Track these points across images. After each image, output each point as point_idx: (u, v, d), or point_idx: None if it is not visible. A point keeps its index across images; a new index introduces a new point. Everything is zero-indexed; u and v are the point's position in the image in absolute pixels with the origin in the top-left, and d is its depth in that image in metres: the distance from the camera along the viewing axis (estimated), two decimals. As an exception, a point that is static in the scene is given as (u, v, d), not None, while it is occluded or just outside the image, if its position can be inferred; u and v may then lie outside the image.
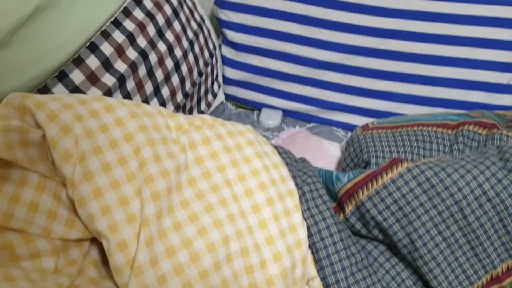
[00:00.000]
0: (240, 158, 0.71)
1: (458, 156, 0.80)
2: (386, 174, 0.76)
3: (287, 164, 0.78)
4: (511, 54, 1.33)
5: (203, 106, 1.45)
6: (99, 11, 1.05)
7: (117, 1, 1.08)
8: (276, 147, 0.81)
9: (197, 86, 1.36)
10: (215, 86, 1.53)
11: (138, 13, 1.14)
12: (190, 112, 1.38)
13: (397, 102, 1.45)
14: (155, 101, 1.17)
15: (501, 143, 0.87)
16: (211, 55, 1.45)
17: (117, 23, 1.08)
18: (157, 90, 1.17)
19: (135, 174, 0.61)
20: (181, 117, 0.74)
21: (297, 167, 0.81)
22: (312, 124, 1.56)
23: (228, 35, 1.53)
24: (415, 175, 0.75)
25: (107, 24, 1.07)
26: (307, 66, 1.49)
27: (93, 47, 1.02)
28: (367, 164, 0.87)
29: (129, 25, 1.11)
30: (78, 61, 0.99)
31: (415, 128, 0.91)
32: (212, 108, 1.52)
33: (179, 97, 1.27)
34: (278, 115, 1.57)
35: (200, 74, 1.36)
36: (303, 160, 0.84)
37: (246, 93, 1.61)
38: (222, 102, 1.59)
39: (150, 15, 1.17)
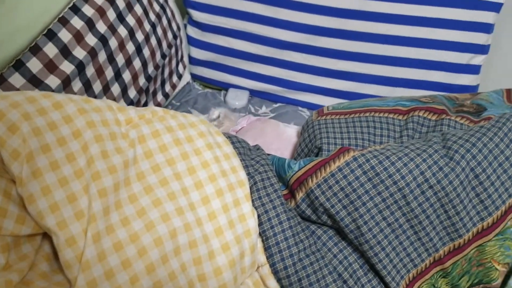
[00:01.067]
0: (190, 150, 0.73)
1: (404, 143, 0.83)
2: (334, 163, 0.79)
3: (239, 153, 0.80)
4: (470, 35, 1.36)
5: (167, 88, 1.46)
6: (56, -3, 1.04)
7: (74, -14, 1.07)
8: (229, 136, 0.83)
9: (160, 69, 1.36)
10: (180, 67, 1.53)
11: (97, -2, 1.13)
12: (154, 94, 1.39)
13: (360, 82, 1.48)
14: (116, 86, 1.17)
15: (449, 128, 0.90)
16: (175, 37, 1.45)
17: (75, 9, 1.08)
18: (118, 75, 1.18)
19: (83, 170, 0.62)
20: (131, 110, 0.75)
21: (250, 155, 0.83)
22: (278, 104, 1.58)
23: (193, 15, 1.53)
24: (361, 163, 0.78)
25: (65, 10, 1.06)
26: (271, 47, 1.50)
27: (50, 34, 1.01)
28: (320, 150, 0.89)
29: (88, 10, 1.10)
30: (35, 49, 0.98)
31: (367, 114, 0.94)
32: (177, 89, 1.53)
33: (142, 80, 1.28)
34: (245, 95, 1.58)
35: (163, 56, 1.37)
36: (257, 148, 0.87)
37: (212, 73, 1.61)
38: (188, 83, 1.59)
39: (110, 0, 1.16)
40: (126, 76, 1.21)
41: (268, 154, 0.87)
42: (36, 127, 0.62)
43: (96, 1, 1.13)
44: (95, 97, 1.11)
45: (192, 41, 1.58)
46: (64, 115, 0.65)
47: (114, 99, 1.18)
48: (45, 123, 0.63)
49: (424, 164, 0.78)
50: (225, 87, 1.62)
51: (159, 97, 1.42)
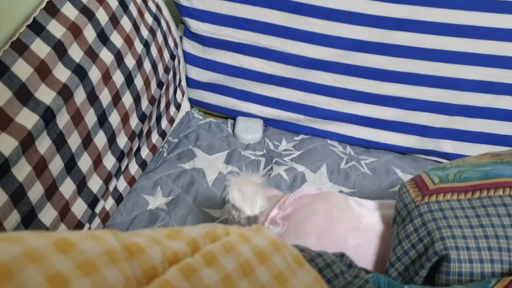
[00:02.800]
0: None
1: None
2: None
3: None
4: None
5: (164, 124, 1.12)
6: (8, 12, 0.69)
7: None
8: (312, 258, 0.50)
9: (156, 102, 1.02)
10: (178, 95, 1.19)
11: (69, 10, 0.79)
12: (148, 135, 1.05)
13: (407, 110, 1.18)
14: (101, 135, 0.83)
15: None
16: (172, 57, 1.11)
17: (37, 27, 0.73)
18: (102, 120, 0.83)
19: None
20: None
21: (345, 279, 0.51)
22: (301, 137, 1.26)
23: (192, 26, 1.19)
24: None
25: (22, 29, 0.72)
26: (293, 66, 1.20)
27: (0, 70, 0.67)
28: (442, 257, 0.58)
29: (56, 29, 0.76)
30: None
31: (500, 192, 0.62)
32: (175, 124, 1.19)
33: (134, 121, 0.93)
34: (258, 126, 1.26)
35: (159, 85, 1.03)
36: (348, 264, 0.54)
37: (216, 98, 1.28)
38: (187, 113, 1.25)
39: (87, 12, 0.81)
40: (114, 118, 0.87)
41: (366, 271, 0.55)
42: None
43: (68, 15, 0.78)
44: (72, 156, 0.77)
45: (189, 59, 1.25)
46: None
47: (99, 155, 0.83)
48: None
49: None
50: (232, 115, 1.30)
51: (154, 137, 1.08)
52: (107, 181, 0.86)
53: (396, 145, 1.22)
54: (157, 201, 0.98)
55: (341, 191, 1.07)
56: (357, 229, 0.69)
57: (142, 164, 1.03)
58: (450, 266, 0.58)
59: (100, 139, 0.83)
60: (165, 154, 1.12)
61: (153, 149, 1.07)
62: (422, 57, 1.12)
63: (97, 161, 0.83)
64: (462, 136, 1.18)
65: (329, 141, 1.24)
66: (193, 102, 1.31)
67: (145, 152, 1.04)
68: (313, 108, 1.23)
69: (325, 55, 1.16)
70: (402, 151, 1.23)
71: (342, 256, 0.56)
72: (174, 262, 0.38)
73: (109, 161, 0.87)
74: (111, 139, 0.86)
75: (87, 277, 0.33)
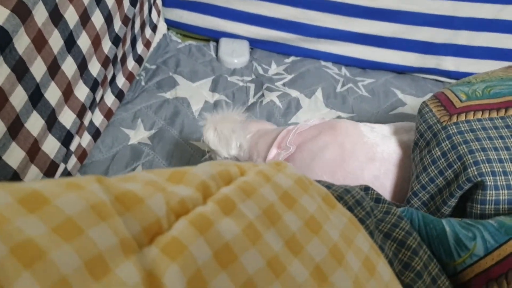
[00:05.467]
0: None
1: None
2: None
3: (366, 227, 0.40)
4: None
5: (140, 48, 0.99)
6: None
7: None
8: (341, 195, 0.41)
9: (130, 22, 0.89)
10: (154, 14, 1.06)
11: None
12: (123, 61, 0.93)
13: (406, 25, 1.08)
14: (69, 61, 0.71)
15: None
16: (144, -31, 0.96)
17: None
18: (70, 43, 0.71)
19: None
20: None
21: (375, 220, 0.43)
22: (291, 59, 1.15)
23: None
24: None
25: None
26: (282, -23, 1.05)
27: None
28: (476, 185, 0.50)
29: None
30: None
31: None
32: (151, 49, 1.06)
33: (106, 45, 0.81)
34: (245, 48, 1.14)
35: (133, 2, 0.89)
36: (376, 199, 0.46)
37: (195, 17, 1.15)
38: (164, 35, 1.12)
39: None
40: (83, 41, 0.74)
41: (396, 205, 0.47)
42: None
43: None
44: (37, 86, 0.65)
45: (164, -27, 1.10)
46: None
47: (69, 84, 0.72)
48: None
49: None
50: (214, 36, 1.17)
51: (130, 63, 0.96)
52: (81, 114, 0.75)
53: (395, 64, 1.12)
54: (138, 135, 0.88)
55: (339, 117, 0.98)
56: (372, 159, 0.60)
57: (119, 94, 0.92)
58: (486, 194, 0.51)
59: (69, 66, 0.71)
60: (143, 83, 1.00)
61: (130, 77, 0.95)
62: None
63: (68, 92, 0.72)
64: (466, 52, 1.09)
65: (323, 63, 1.14)
66: (170, 24, 1.17)
67: (121, 81, 0.93)
68: (305, 26, 1.11)
69: (317, -36, 1.03)
70: (401, 70, 1.14)
71: (367, 189, 0.48)
72: (182, 213, 0.29)
73: (82, 92, 0.75)
74: (82, 65, 0.74)
75: (68, 243, 0.24)
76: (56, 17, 0.68)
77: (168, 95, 0.98)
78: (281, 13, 1.10)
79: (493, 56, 1.07)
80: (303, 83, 1.05)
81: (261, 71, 1.09)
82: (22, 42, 0.62)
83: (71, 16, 0.71)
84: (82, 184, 0.26)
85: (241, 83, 1.04)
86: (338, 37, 1.11)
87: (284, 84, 1.04)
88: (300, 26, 1.11)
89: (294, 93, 1.01)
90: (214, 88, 1.02)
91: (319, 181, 0.42)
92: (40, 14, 0.65)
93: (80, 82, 0.75)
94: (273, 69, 1.11)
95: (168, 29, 1.18)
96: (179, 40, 1.16)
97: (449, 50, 1.09)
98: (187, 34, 1.19)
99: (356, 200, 0.42)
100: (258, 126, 0.69)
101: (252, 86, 1.04)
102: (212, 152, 0.71)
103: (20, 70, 0.62)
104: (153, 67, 1.05)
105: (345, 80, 1.08)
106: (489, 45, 1.07)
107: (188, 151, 0.87)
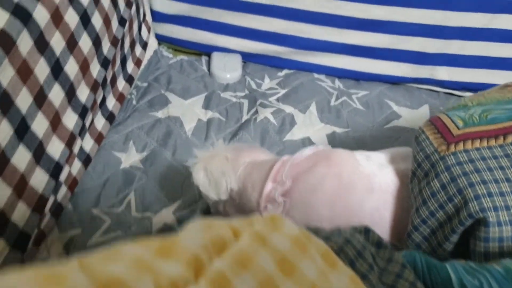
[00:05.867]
0: None
1: None
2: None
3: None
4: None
5: (130, 68, 0.97)
6: None
7: None
8: (342, 249, 0.40)
9: (119, 42, 0.87)
10: (144, 31, 1.04)
11: None
12: (113, 83, 0.91)
13: (398, 35, 1.07)
14: (56, 89, 0.69)
15: None
16: (133, -13, 0.94)
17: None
18: (56, 71, 0.69)
19: None
20: None
21: (378, 267, 0.41)
22: (284, 72, 1.14)
23: None
24: None
25: None
26: (273, -10, 1.04)
27: None
28: (478, 222, 0.49)
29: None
30: None
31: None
32: (142, 66, 1.04)
33: (95, 69, 0.79)
34: (237, 62, 1.12)
35: (122, 22, 0.87)
36: (377, 243, 0.45)
37: (186, 32, 1.13)
38: (155, 51, 1.10)
39: None
40: (71, 67, 0.72)
41: (396, 247, 0.46)
42: None
43: None
44: (23, 119, 0.63)
45: (153, -12, 1.08)
46: None
47: (57, 114, 0.70)
48: None
49: None
50: (206, 50, 1.15)
51: (121, 84, 0.94)
52: (70, 143, 0.73)
53: (388, 74, 1.11)
54: (130, 158, 0.87)
55: (333, 132, 0.97)
56: (371, 191, 0.59)
57: (110, 117, 0.90)
58: (488, 231, 0.49)
59: (56, 94, 0.69)
60: (134, 102, 0.98)
61: (120, 97, 0.93)
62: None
63: (55, 121, 0.70)
64: (458, 61, 1.08)
65: (316, 75, 1.12)
66: (161, 39, 1.16)
67: (111, 103, 0.91)
68: (297, 38, 1.10)
69: (309, -23, 1.02)
70: (395, 81, 1.13)
71: (367, 233, 0.46)
72: (172, 295, 0.28)
73: (70, 119, 0.74)
74: (70, 92, 0.72)
75: None
76: (41, 44, 0.66)
77: (160, 114, 0.96)
78: (273, 26, 1.08)
79: (485, 65, 1.07)
80: (297, 97, 1.03)
81: (254, 86, 1.07)
82: (6, 74, 0.61)
83: (57, 43, 0.69)
84: (64, 274, 0.24)
85: (234, 99, 1.03)
86: (331, 49, 1.09)
87: (277, 99, 1.03)
88: (292, 39, 1.09)
89: (288, 108, 1.00)
90: (207, 105, 1.00)
91: (318, 231, 0.40)
92: (25, 43, 0.64)
93: (69, 109, 0.73)
94: (266, 83, 1.09)
95: (159, 44, 1.16)
96: (171, 55, 1.14)
97: (442, 60, 1.08)
98: (179, 49, 1.17)
99: (357, 252, 0.41)
100: (250, 155, 0.68)
101: (245, 102, 1.02)
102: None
103: (4, 104, 0.60)
104: (145, 84, 1.03)
105: (339, 93, 1.07)
106: (481, 53, 1.06)
107: (182, 174, 0.85)
